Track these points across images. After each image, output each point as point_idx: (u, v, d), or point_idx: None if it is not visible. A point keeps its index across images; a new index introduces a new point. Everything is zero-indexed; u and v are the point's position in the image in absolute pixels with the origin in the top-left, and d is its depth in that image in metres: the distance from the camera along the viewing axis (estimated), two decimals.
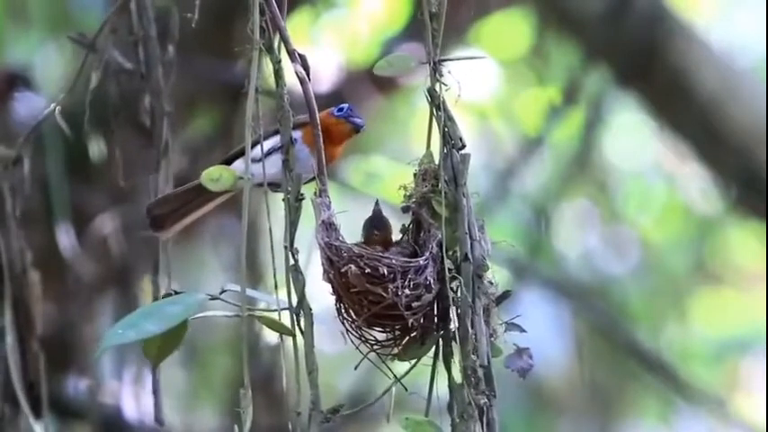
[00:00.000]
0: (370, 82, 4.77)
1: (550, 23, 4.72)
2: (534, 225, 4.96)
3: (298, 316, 2.32)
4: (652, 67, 4.32)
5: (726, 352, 5.38)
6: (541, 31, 4.89)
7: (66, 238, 4.00)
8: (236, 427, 2.29)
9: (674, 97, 4.35)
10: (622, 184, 5.31)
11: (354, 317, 2.31)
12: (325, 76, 4.68)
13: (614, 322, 5.00)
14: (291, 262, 2.33)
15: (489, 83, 5.00)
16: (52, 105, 2.81)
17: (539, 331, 4.85)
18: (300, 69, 2.39)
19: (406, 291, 2.28)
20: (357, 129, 2.50)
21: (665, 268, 5.33)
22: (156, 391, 2.87)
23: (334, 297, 2.34)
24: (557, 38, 4.77)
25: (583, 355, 5.19)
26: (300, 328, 2.32)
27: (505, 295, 2.37)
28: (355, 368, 2.41)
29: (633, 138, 5.12)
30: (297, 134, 2.42)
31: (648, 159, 5.26)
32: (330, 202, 2.35)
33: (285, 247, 2.32)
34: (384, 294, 2.28)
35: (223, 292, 2.34)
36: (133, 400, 4.24)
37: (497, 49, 4.92)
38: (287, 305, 2.34)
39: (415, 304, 2.29)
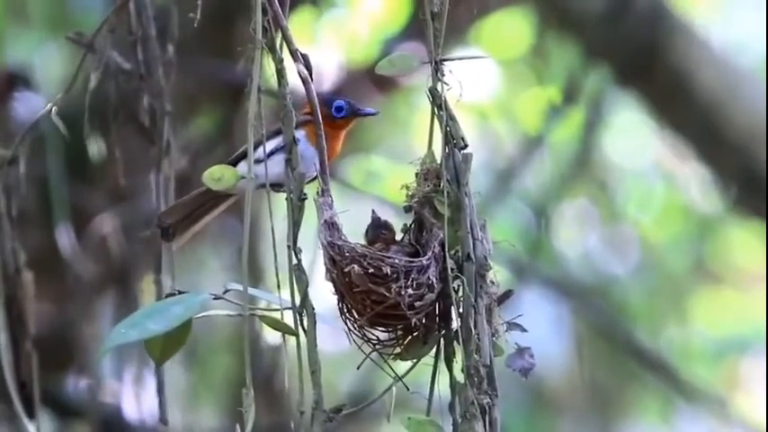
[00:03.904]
0: (369, 81, 4.77)
1: (550, 23, 4.71)
2: (534, 225, 4.96)
3: (300, 315, 2.32)
4: (652, 66, 4.31)
5: (726, 352, 5.38)
6: (541, 30, 4.89)
7: (65, 237, 3.99)
8: (237, 427, 2.28)
9: (675, 97, 4.34)
10: (622, 183, 5.31)
11: (357, 316, 2.31)
12: (326, 76, 4.68)
13: (614, 322, 5.00)
14: (294, 261, 2.32)
15: (489, 83, 4.99)
16: (49, 105, 2.80)
17: (539, 331, 4.85)
18: (303, 69, 2.39)
19: (410, 290, 2.27)
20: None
21: (665, 268, 5.33)
22: (160, 391, 2.88)
23: (336, 297, 2.33)
24: (557, 38, 4.77)
25: (583, 354, 5.19)
26: (303, 328, 2.32)
27: (507, 295, 2.37)
28: (358, 368, 2.41)
29: (633, 138, 5.12)
30: (301, 133, 2.42)
31: (648, 159, 5.26)
32: (332, 202, 2.35)
33: (288, 247, 2.32)
34: (387, 294, 2.27)
35: (226, 291, 2.34)
36: (133, 400, 4.24)
37: (497, 49, 4.92)
38: (289, 305, 2.34)
39: (417, 304, 2.28)
